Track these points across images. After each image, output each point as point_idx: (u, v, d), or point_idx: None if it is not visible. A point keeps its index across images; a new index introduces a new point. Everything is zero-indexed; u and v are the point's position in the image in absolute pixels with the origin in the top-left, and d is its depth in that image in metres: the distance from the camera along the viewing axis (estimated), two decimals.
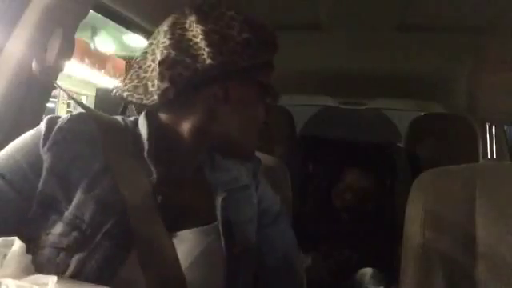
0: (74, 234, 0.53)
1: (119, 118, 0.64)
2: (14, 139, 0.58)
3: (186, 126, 0.61)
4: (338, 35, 1.42)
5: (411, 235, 0.85)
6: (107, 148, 0.56)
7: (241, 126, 0.63)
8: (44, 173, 0.54)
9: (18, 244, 0.49)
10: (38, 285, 0.43)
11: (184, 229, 0.59)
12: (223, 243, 0.59)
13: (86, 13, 0.85)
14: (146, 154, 0.59)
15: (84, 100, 4.70)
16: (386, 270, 1.33)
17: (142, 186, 0.56)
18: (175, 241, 0.57)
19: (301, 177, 1.76)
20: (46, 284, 0.44)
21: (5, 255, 0.47)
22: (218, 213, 0.61)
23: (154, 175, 0.59)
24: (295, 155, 1.76)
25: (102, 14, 1.15)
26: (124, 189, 0.54)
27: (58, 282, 0.44)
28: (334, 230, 1.53)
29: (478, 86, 0.84)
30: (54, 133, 0.56)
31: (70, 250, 0.53)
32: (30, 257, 0.49)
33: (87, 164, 0.56)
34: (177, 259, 0.55)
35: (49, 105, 0.91)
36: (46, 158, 0.55)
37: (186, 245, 0.58)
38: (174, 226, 0.58)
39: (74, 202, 0.55)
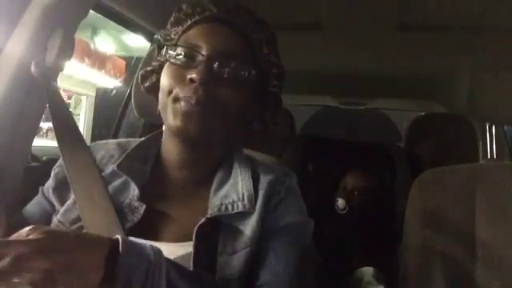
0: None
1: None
2: (14, 139, 0.58)
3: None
4: (338, 35, 1.42)
5: (411, 235, 0.85)
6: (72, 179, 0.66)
7: None
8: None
9: None
10: None
11: (160, 240, 0.60)
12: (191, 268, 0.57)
13: (86, 13, 0.85)
14: (115, 167, 0.66)
15: (84, 100, 4.70)
16: (386, 269, 1.33)
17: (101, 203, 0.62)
18: None
19: (301, 177, 1.75)
20: None
21: None
22: (193, 237, 0.59)
23: (135, 187, 0.64)
24: (295, 155, 1.75)
25: (102, 14, 1.15)
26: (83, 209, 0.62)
27: None
28: (333, 229, 1.53)
29: (478, 86, 0.84)
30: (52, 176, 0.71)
31: None
32: None
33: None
34: None
35: None
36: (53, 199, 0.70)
37: None
38: (151, 237, 0.60)
39: (62, 209, 0.66)
